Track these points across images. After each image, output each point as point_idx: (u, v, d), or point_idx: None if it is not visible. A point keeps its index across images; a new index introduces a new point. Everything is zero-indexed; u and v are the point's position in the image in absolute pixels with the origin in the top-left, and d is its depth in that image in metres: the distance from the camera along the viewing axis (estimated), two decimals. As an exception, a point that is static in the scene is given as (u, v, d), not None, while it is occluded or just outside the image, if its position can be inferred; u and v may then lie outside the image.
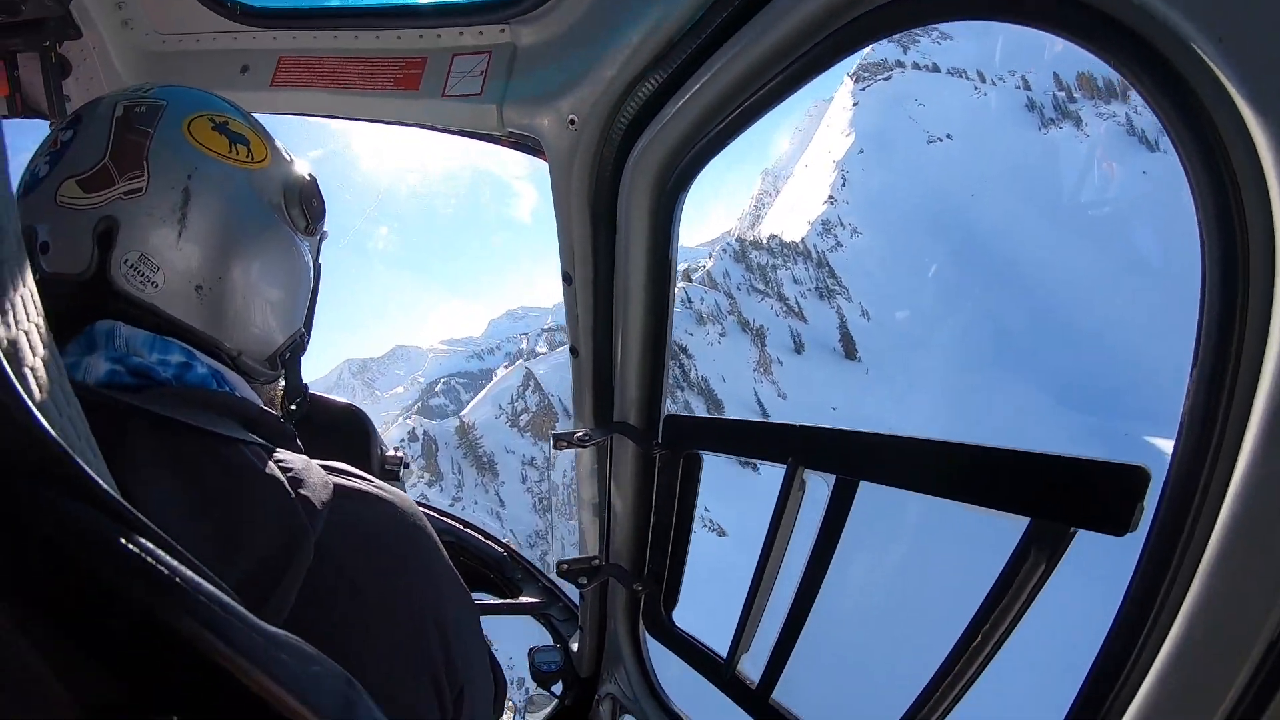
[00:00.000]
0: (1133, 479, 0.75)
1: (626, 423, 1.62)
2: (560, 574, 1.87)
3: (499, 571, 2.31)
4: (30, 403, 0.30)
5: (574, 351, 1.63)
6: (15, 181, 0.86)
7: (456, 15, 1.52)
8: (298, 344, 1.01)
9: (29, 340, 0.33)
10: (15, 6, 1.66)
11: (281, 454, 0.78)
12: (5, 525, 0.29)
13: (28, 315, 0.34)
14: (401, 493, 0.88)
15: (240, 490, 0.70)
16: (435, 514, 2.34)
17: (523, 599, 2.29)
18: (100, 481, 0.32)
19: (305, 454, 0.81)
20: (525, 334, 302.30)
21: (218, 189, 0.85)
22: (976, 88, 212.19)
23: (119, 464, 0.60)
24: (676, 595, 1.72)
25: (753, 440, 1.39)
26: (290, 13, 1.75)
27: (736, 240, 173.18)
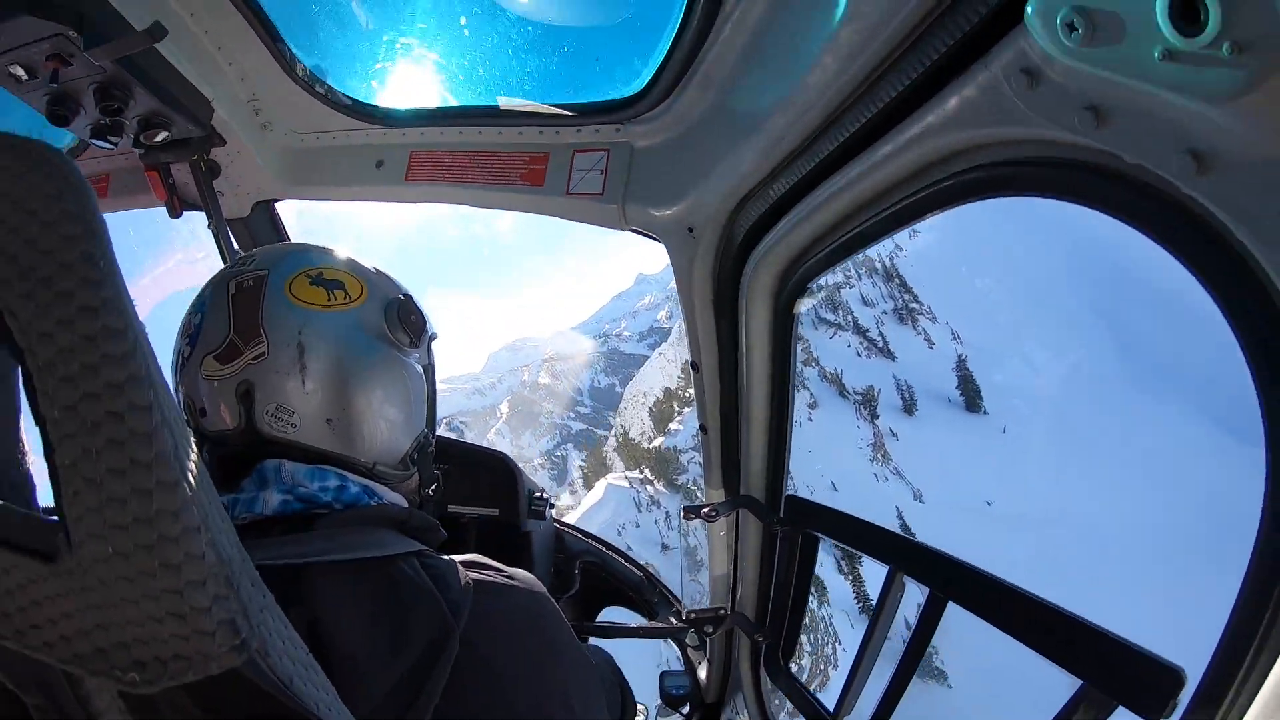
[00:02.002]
0: (1170, 677, 0.83)
1: (751, 497, 1.73)
2: (687, 622, 2.02)
3: (638, 592, 2.46)
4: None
5: (703, 429, 1.75)
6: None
7: (573, 115, 1.60)
8: (423, 444, 1.17)
9: (269, 637, 0.45)
10: (162, 133, 1.75)
11: (430, 558, 0.94)
12: None
13: (266, 605, 0.47)
14: (528, 575, 1.03)
15: (402, 601, 0.86)
16: (579, 534, 2.47)
17: (660, 623, 2.40)
18: None
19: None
20: (526, 365, 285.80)
21: (326, 336, 1.03)
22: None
23: (306, 605, 0.80)
24: (794, 647, 1.86)
25: (864, 538, 1.49)
26: (416, 112, 1.88)
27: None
